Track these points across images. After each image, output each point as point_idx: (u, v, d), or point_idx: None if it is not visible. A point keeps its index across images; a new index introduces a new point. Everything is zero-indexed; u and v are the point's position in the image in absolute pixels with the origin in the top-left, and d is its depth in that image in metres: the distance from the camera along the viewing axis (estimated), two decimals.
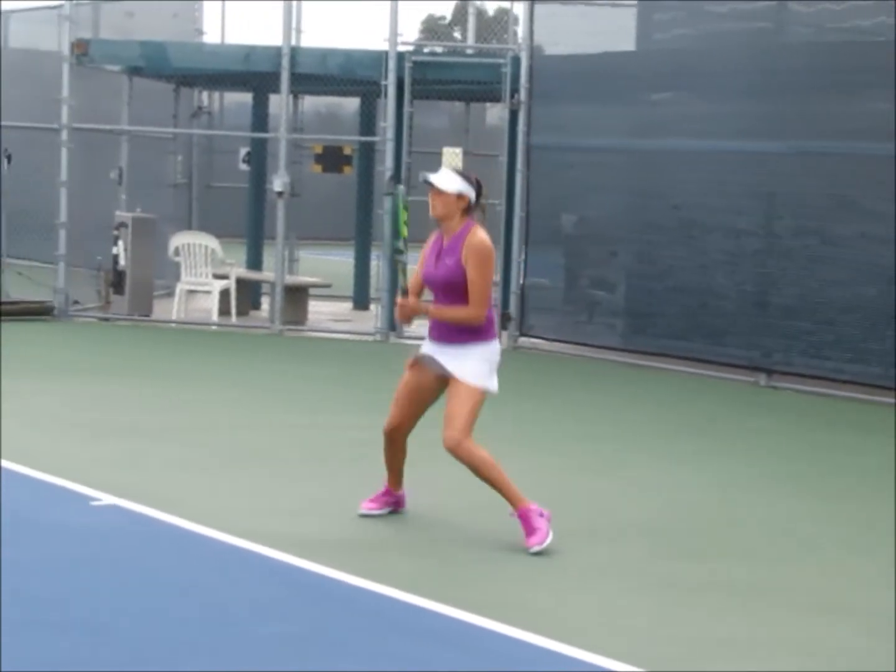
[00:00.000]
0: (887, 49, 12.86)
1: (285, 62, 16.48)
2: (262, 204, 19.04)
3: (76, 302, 17.12)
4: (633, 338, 15.25)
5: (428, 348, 7.47)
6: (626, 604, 6.44)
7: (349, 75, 17.06)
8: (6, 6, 24.44)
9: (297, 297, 17.20)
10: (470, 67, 17.42)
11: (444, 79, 17.22)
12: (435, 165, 17.38)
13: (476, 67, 17.26)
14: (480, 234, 7.34)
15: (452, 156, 17.14)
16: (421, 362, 7.48)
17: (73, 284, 17.02)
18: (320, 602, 6.35)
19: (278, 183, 16.57)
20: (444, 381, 7.40)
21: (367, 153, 18.64)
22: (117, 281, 16.89)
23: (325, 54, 17.12)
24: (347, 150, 18.10)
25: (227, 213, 20.97)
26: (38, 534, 7.24)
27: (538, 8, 16.30)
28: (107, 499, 7.91)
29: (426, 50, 20.65)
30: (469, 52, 20.15)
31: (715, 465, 9.89)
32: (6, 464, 8.62)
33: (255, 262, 19.35)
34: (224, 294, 16.97)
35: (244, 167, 19.52)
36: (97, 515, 7.64)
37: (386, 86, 16.14)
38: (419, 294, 7.58)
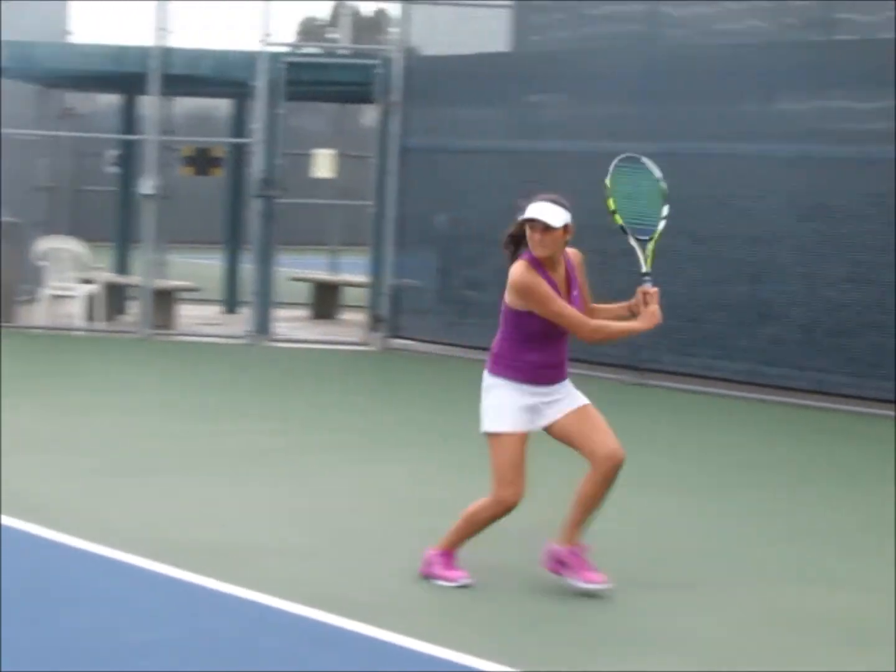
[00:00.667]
0: (757, 52, 12.92)
1: (154, 63, 16.17)
2: (130, 207, 18.62)
3: None
4: None
5: (530, 399, 6.64)
6: None
7: (222, 77, 16.79)
8: None
9: (165, 301, 16.87)
10: (344, 69, 17.29)
11: (318, 80, 17.05)
12: (308, 167, 17.27)
13: (350, 69, 17.13)
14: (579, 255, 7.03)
15: (325, 157, 16.94)
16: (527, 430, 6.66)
17: None
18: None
19: (147, 185, 16.26)
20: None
21: (240, 155, 18.36)
22: None
23: (197, 55, 16.81)
24: (217, 153, 17.83)
25: (98, 216, 20.52)
26: None
27: (414, 9, 16.19)
28: None
29: (302, 51, 20.44)
30: (344, 53, 19.97)
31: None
32: None
33: (122, 267, 18.98)
34: (90, 299, 16.59)
35: (112, 170, 19.12)
36: None
37: (256, 87, 15.89)
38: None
